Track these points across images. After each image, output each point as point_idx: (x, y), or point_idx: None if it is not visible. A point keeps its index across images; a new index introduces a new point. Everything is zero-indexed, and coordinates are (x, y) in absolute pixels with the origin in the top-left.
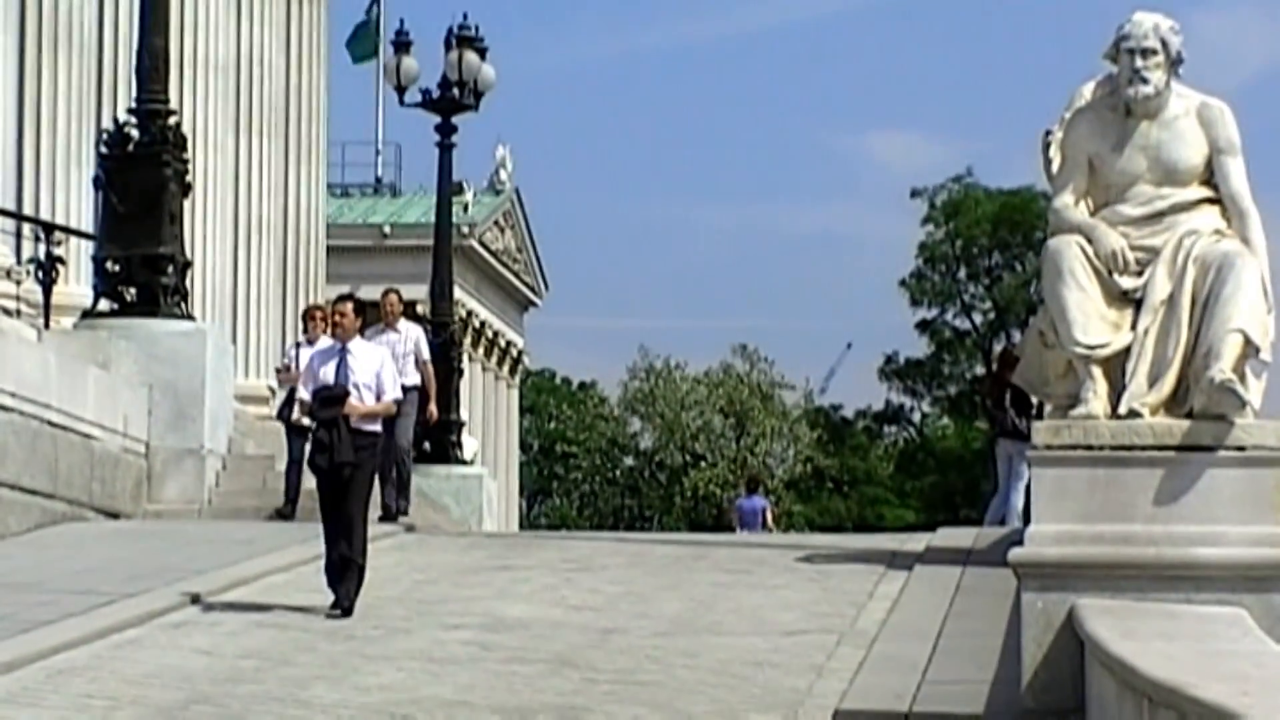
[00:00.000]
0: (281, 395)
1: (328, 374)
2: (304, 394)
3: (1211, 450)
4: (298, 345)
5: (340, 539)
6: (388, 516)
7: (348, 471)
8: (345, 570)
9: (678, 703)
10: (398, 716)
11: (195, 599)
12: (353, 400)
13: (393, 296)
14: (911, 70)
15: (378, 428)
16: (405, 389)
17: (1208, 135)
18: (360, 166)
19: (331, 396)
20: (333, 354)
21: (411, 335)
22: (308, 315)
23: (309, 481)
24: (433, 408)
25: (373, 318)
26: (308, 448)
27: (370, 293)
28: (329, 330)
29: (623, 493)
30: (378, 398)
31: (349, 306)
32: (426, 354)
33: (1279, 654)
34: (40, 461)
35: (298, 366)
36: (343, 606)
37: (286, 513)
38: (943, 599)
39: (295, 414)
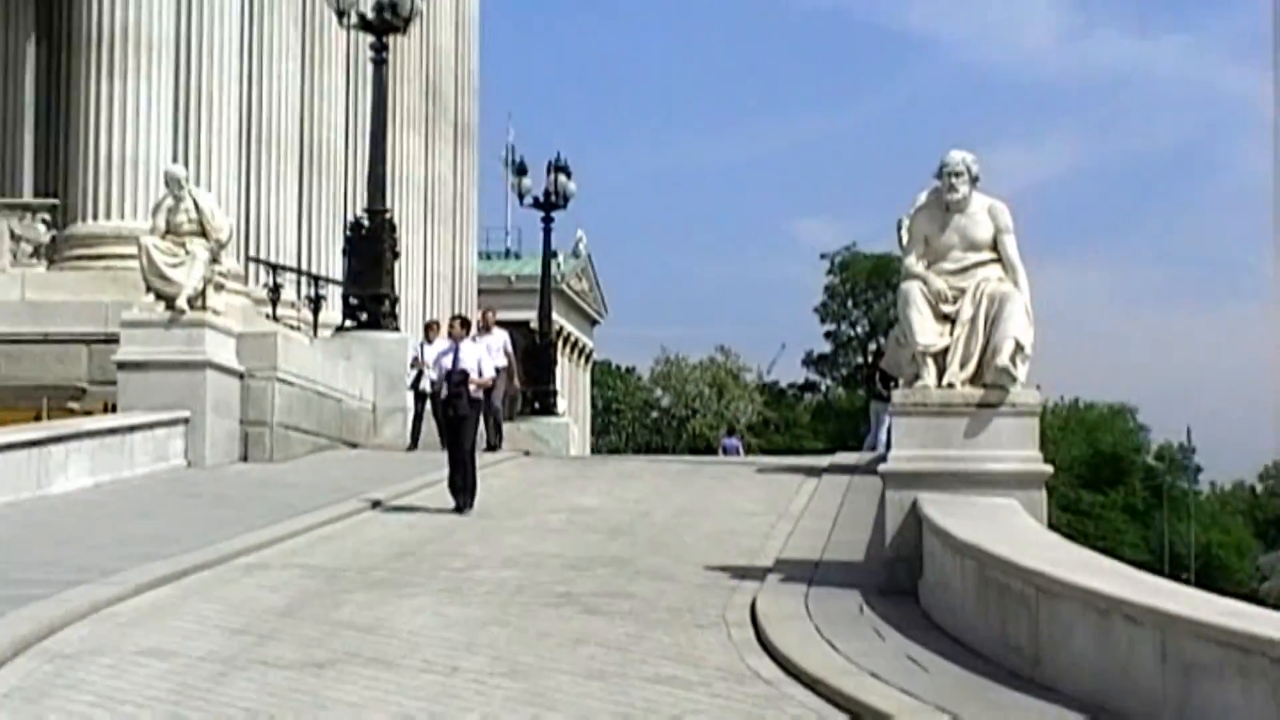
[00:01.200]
0: (411, 375)
1: (447, 362)
2: (432, 374)
3: (996, 407)
4: (421, 345)
5: (459, 467)
6: (490, 448)
7: (459, 423)
8: (467, 485)
9: (686, 555)
10: (520, 562)
11: (401, 495)
12: (472, 377)
13: (489, 313)
14: (821, 180)
15: (480, 396)
16: (497, 370)
17: (994, 222)
18: (497, 240)
19: (459, 379)
20: (450, 350)
21: (501, 336)
22: (428, 327)
23: (428, 428)
24: (515, 382)
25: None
26: (425, 407)
27: (502, 316)
28: (442, 335)
29: (651, 433)
30: (479, 376)
31: (458, 322)
32: (510, 348)
33: (1037, 527)
34: (312, 415)
35: (422, 358)
36: (465, 508)
37: (411, 448)
38: (840, 494)
39: (422, 385)
